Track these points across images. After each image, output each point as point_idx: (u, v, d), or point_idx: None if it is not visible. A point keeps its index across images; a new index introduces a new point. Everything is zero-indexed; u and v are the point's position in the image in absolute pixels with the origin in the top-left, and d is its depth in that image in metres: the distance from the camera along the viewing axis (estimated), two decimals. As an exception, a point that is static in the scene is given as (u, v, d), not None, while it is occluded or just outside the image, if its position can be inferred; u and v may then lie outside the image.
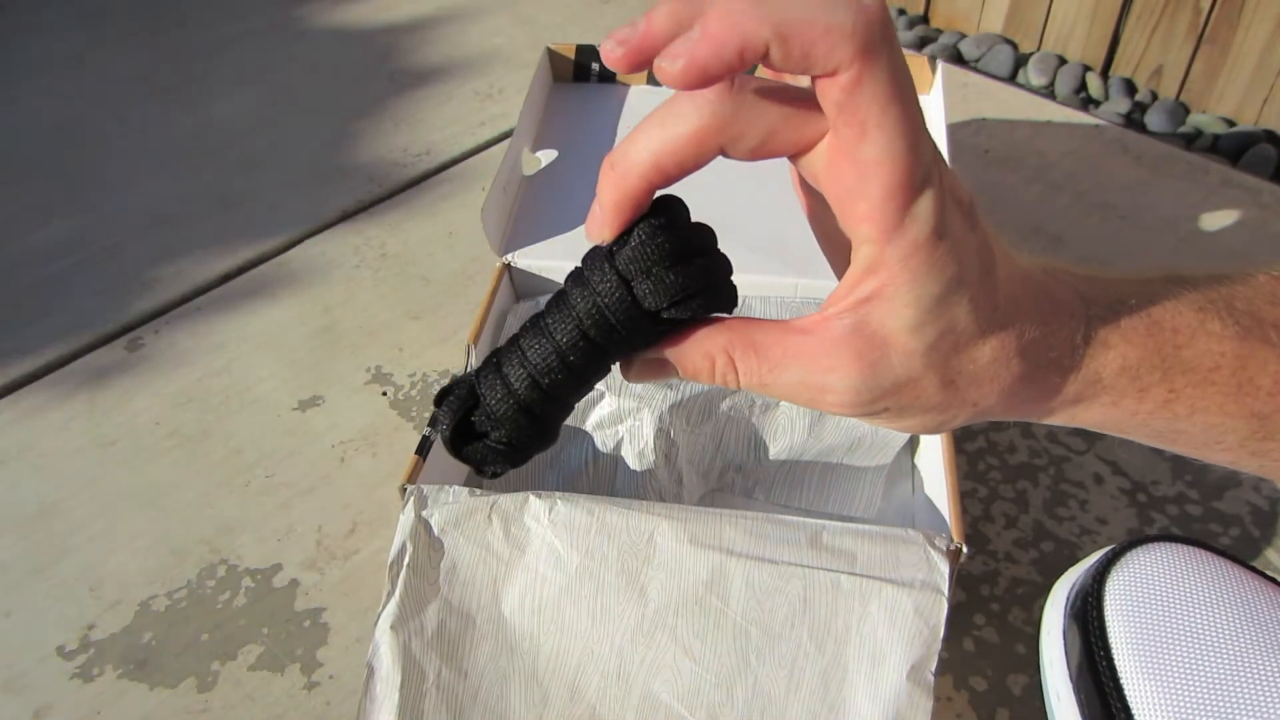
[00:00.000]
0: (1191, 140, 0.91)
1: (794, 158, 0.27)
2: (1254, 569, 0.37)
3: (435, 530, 0.43)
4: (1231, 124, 0.92)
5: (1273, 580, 0.37)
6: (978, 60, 1.04)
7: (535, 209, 0.63)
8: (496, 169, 0.60)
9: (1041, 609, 0.43)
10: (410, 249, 0.77)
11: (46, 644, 0.52)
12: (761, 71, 0.27)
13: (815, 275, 0.57)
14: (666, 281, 0.29)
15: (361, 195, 0.83)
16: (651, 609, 0.41)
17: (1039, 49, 1.03)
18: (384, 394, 0.65)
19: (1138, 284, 0.29)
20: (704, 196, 0.64)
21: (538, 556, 0.42)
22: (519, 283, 0.61)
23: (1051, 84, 1.00)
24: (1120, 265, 0.71)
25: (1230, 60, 0.90)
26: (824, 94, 0.24)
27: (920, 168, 0.24)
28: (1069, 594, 0.40)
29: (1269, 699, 0.32)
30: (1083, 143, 0.83)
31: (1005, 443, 0.59)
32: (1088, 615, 0.37)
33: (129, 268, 0.77)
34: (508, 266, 0.60)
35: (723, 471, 0.55)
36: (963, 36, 1.07)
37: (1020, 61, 1.02)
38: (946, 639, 0.40)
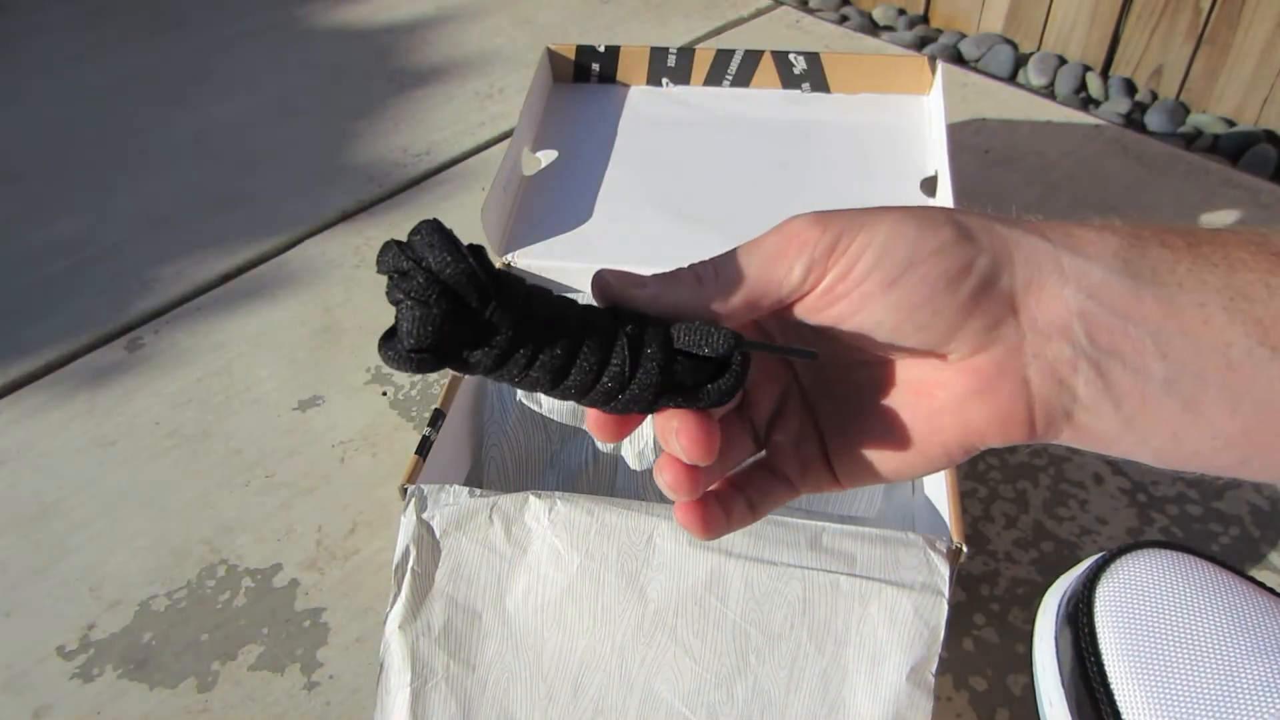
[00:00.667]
0: (1191, 140, 0.91)
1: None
2: (1243, 574, 0.37)
3: (437, 532, 0.43)
4: (1231, 124, 0.92)
5: (1261, 586, 0.37)
6: (978, 60, 1.04)
7: (535, 209, 0.63)
8: (496, 169, 0.60)
9: (1090, 567, 0.42)
10: (410, 249, 0.77)
11: (46, 644, 0.52)
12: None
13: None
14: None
15: (361, 195, 0.83)
16: (652, 609, 0.41)
17: (1039, 49, 1.03)
18: (384, 394, 0.65)
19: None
20: (705, 199, 0.64)
21: (539, 556, 0.43)
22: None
23: (1051, 84, 1.00)
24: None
25: (1230, 60, 0.90)
26: None
27: None
28: (1060, 600, 0.40)
29: (1257, 703, 0.32)
30: (1083, 143, 0.83)
31: (1005, 443, 0.59)
32: (1078, 621, 0.37)
33: (129, 268, 0.77)
34: (508, 266, 0.60)
35: None
36: (963, 36, 1.07)
37: (1020, 61, 1.02)
38: (946, 639, 0.40)
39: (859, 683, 0.40)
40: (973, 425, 0.29)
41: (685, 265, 0.30)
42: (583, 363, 0.28)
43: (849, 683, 0.40)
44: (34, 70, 1.03)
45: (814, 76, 0.71)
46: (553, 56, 0.73)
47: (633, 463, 0.52)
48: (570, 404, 0.53)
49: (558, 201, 0.64)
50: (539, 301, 0.28)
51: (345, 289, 0.74)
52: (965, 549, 0.41)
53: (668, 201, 0.63)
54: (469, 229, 0.79)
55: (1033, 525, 0.55)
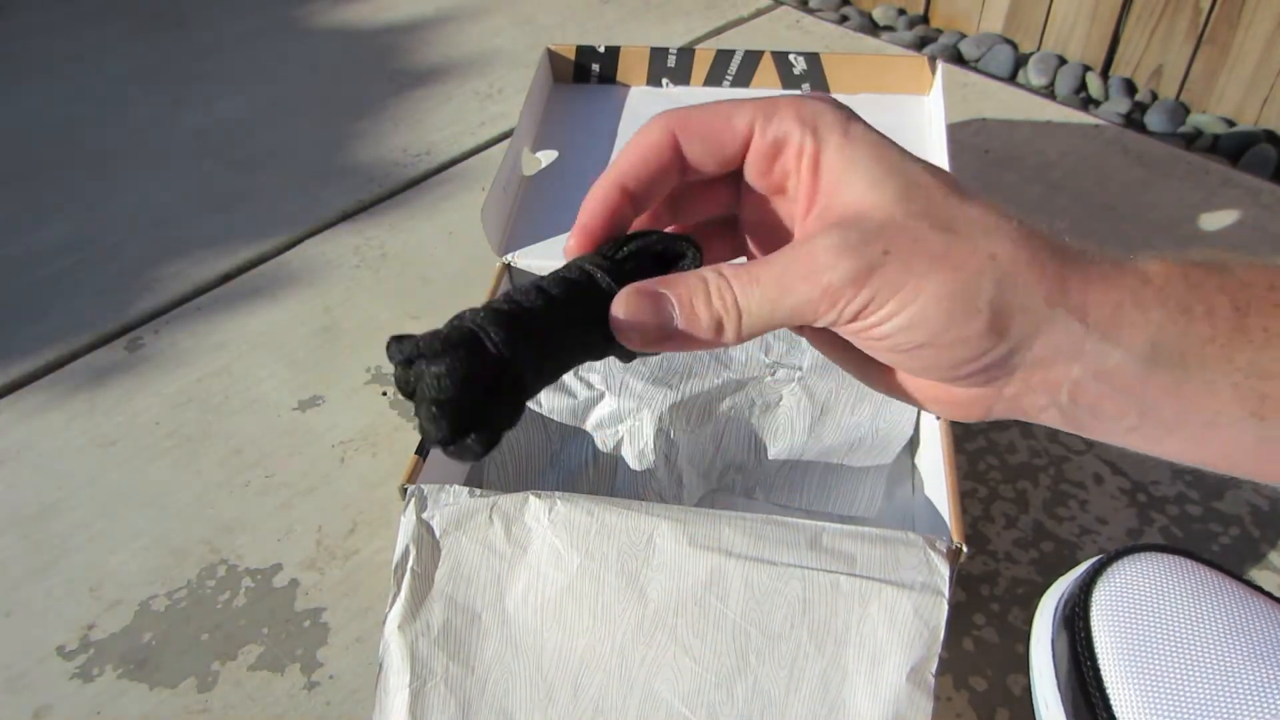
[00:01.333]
0: (1191, 140, 0.91)
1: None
2: (1239, 578, 0.37)
3: (437, 532, 0.43)
4: (1231, 124, 0.92)
5: (1259, 590, 0.37)
6: (978, 60, 1.04)
7: (535, 209, 0.63)
8: (496, 169, 0.60)
9: (1086, 571, 0.42)
10: (410, 249, 0.77)
11: (46, 644, 0.52)
12: None
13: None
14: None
15: (361, 195, 0.83)
16: (651, 609, 0.41)
17: (1039, 49, 1.03)
18: (384, 394, 0.65)
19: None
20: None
21: (539, 556, 0.43)
22: (519, 283, 0.61)
23: (1051, 84, 1.00)
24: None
25: (1230, 60, 0.90)
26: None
27: None
28: (1057, 603, 0.40)
29: (1253, 707, 0.32)
30: (1083, 143, 0.83)
31: (1005, 443, 0.60)
32: (1075, 624, 0.37)
33: (129, 268, 0.77)
34: (508, 266, 0.60)
35: (723, 472, 0.55)
36: (963, 36, 1.07)
37: (1020, 61, 1.02)
38: (946, 639, 0.40)
39: (859, 683, 0.40)
40: (919, 395, 0.30)
41: (701, 285, 0.29)
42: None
43: (849, 683, 0.40)
44: (34, 70, 1.03)
45: (814, 77, 0.71)
46: (553, 57, 0.73)
47: (633, 463, 0.52)
48: (570, 400, 0.53)
49: (558, 201, 0.64)
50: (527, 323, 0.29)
51: (345, 289, 0.74)
52: (965, 549, 0.41)
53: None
54: (469, 229, 0.79)
55: (1033, 525, 0.55)
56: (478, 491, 0.44)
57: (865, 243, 0.27)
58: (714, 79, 0.72)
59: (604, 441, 0.53)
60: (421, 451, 0.47)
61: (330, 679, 0.50)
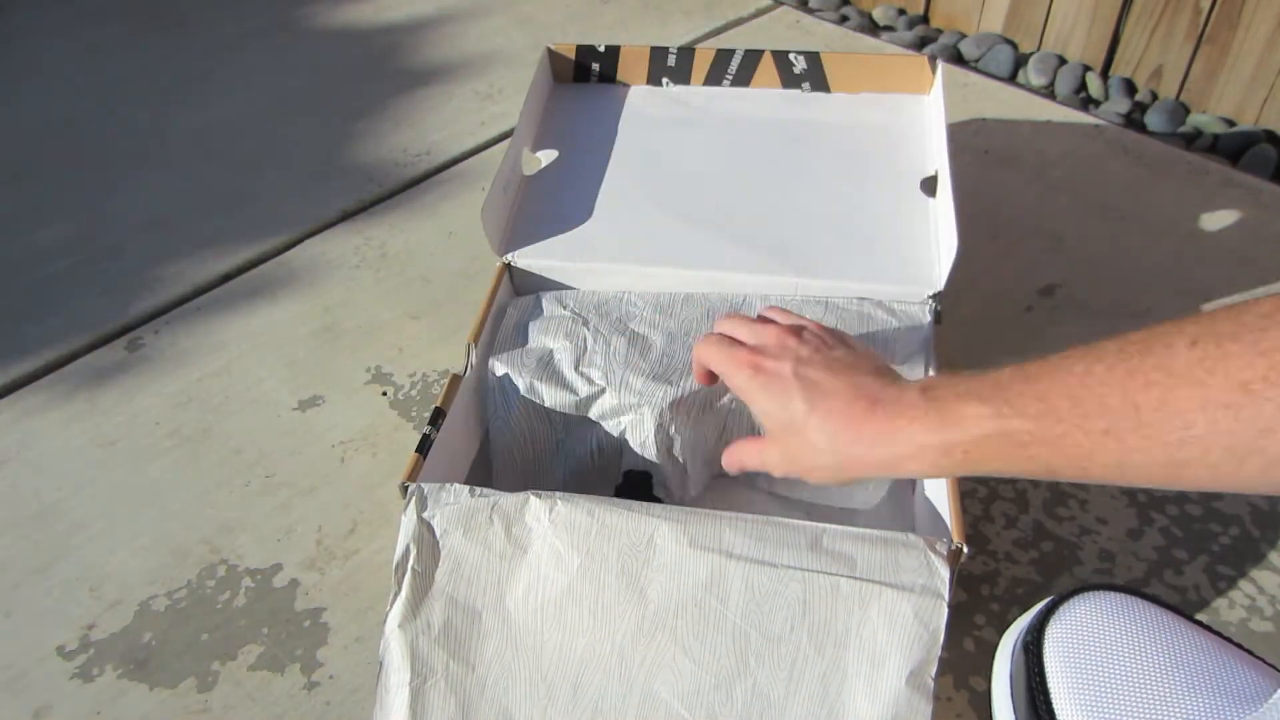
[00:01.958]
0: (1191, 140, 0.91)
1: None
2: (1183, 614, 0.40)
3: (438, 531, 0.43)
4: (1231, 124, 0.92)
5: (1199, 624, 0.39)
6: (978, 60, 1.04)
7: (535, 209, 0.63)
8: (496, 169, 0.60)
9: (1041, 610, 0.44)
10: (410, 249, 0.77)
11: (46, 644, 0.52)
12: None
13: (815, 275, 0.57)
14: None
15: (361, 195, 0.83)
16: (651, 610, 0.41)
17: (1039, 49, 1.03)
18: (384, 394, 0.65)
19: (953, 382, 0.38)
20: (707, 198, 0.64)
21: (539, 557, 0.43)
22: (519, 283, 0.61)
23: (1051, 84, 1.00)
24: (1120, 265, 0.71)
25: (1230, 60, 0.90)
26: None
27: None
28: (1015, 641, 0.42)
29: None
30: (1083, 143, 0.83)
31: (1005, 443, 0.59)
32: (1030, 660, 0.39)
33: (129, 268, 0.77)
34: (508, 266, 0.60)
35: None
36: (963, 36, 1.07)
37: (1020, 61, 1.02)
38: (946, 640, 0.40)
39: (858, 686, 0.40)
40: None
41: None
42: None
43: (848, 685, 0.40)
44: (34, 70, 1.03)
45: (814, 76, 0.71)
46: (553, 56, 0.73)
47: (637, 448, 0.52)
48: (571, 397, 0.53)
49: (558, 201, 0.64)
50: None
51: (345, 289, 0.74)
52: (965, 549, 0.41)
53: (668, 201, 0.63)
54: (469, 229, 0.80)
55: (1033, 525, 0.55)
56: (478, 491, 0.44)
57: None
58: (714, 78, 0.72)
59: (608, 431, 0.54)
60: (422, 450, 0.47)
61: (330, 679, 0.50)
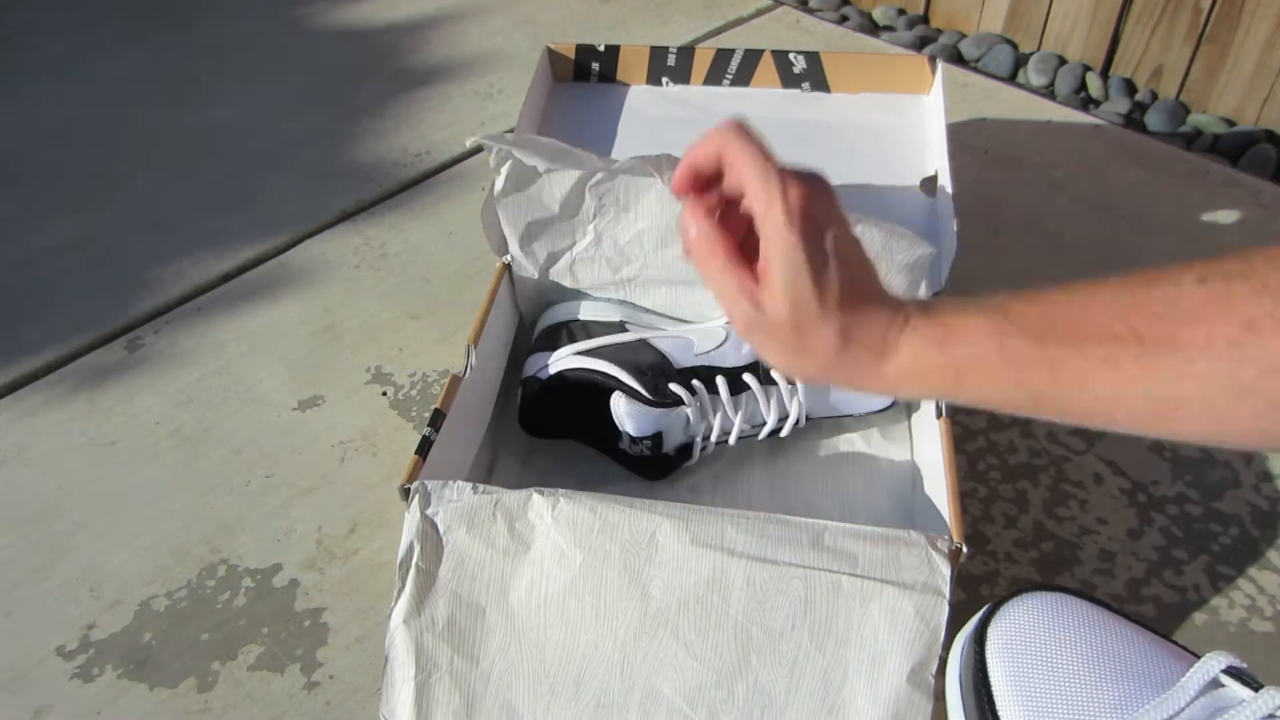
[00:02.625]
0: (1191, 140, 0.91)
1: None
2: (1117, 611, 0.42)
3: (441, 528, 0.43)
4: (1231, 124, 0.92)
5: (1131, 620, 0.42)
6: (978, 60, 1.04)
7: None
8: (497, 169, 0.60)
9: (986, 610, 0.45)
10: (410, 249, 0.77)
11: (46, 644, 0.52)
12: None
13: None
14: None
15: (361, 195, 0.83)
16: (654, 607, 0.41)
17: (1039, 49, 1.03)
18: (384, 394, 0.65)
19: (956, 300, 0.37)
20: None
21: (542, 553, 0.43)
22: (519, 282, 0.61)
23: (1051, 84, 1.00)
24: (1120, 265, 0.71)
25: (1230, 60, 0.90)
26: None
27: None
28: (965, 640, 0.44)
29: (1106, 716, 0.38)
30: (1083, 143, 0.83)
31: (1005, 443, 0.60)
32: (975, 657, 0.42)
33: (129, 268, 0.77)
34: (508, 266, 0.60)
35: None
36: (963, 36, 1.07)
37: (1020, 61, 1.02)
38: (947, 639, 0.40)
39: (859, 683, 0.40)
40: None
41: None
42: None
43: (849, 683, 0.40)
44: (34, 70, 1.03)
45: (814, 76, 0.71)
46: (552, 56, 0.73)
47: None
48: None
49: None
50: None
51: (345, 289, 0.73)
52: (965, 549, 0.41)
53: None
54: (469, 229, 0.79)
55: (1033, 525, 0.55)
56: (482, 488, 0.44)
57: (748, 326, 0.39)
58: (714, 78, 0.72)
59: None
60: (421, 451, 0.47)
61: (330, 679, 0.50)
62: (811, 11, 1.07)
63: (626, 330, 0.56)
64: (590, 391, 0.54)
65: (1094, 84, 0.98)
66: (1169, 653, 0.40)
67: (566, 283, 0.58)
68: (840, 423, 0.56)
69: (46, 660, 0.52)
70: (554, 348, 0.56)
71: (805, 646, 0.40)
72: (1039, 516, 0.56)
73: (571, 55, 0.73)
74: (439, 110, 0.93)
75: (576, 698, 0.41)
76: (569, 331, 0.57)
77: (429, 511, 0.44)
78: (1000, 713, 0.40)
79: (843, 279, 0.36)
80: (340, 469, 0.60)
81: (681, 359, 0.54)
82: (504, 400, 0.59)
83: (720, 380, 0.53)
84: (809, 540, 0.42)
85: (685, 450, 0.54)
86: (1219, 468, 0.57)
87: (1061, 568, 0.53)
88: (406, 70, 0.99)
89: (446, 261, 0.75)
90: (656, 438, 0.53)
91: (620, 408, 0.53)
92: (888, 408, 0.56)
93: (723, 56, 0.71)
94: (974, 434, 0.60)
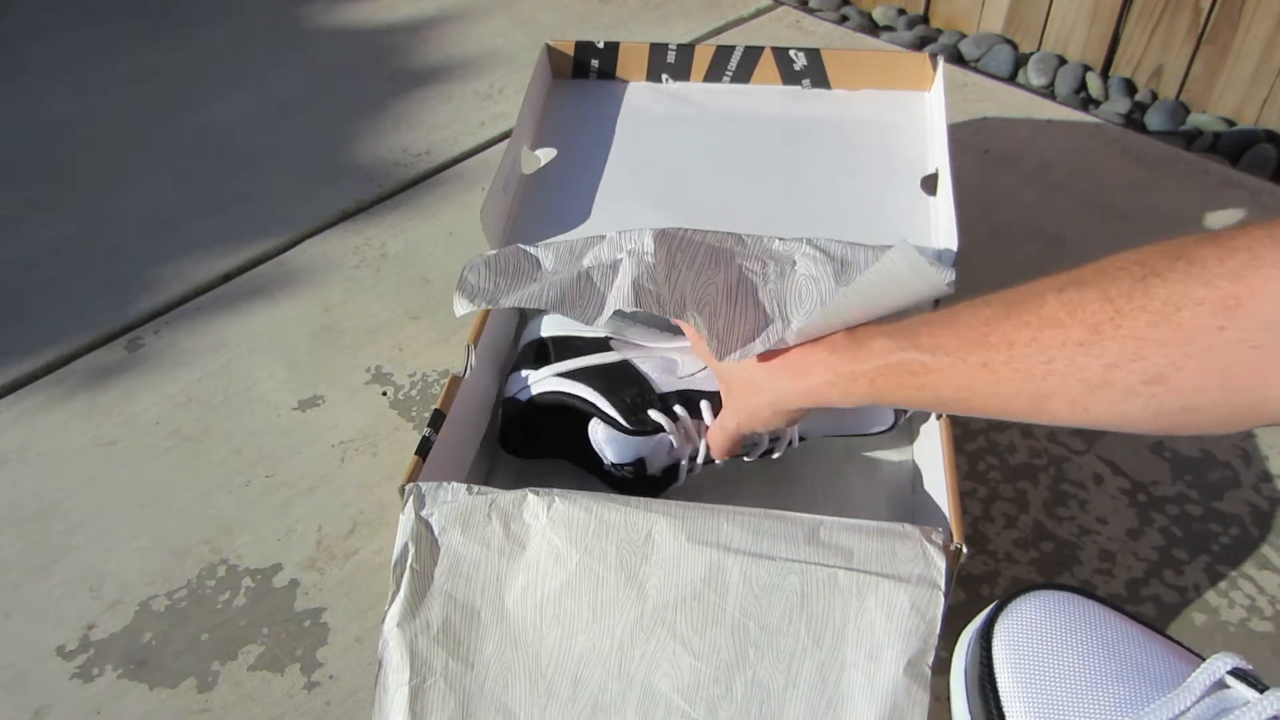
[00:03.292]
0: (1191, 140, 0.91)
1: None
2: (1122, 610, 0.43)
3: (436, 530, 0.43)
4: (1231, 124, 0.92)
5: (1134, 619, 0.43)
6: (978, 60, 1.04)
7: (535, 208, 0.63)
8: (496, 169, 0.60)
9: (993, 608, 0.45)
10: (410, 249, 0.77)
11: (46, 644, 0.52)
12: None
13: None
14: None
15: (361, 195, 0.83)
16: (650, 605, 0.41)
17: (1039, 49, 1.03)
18: (384, 394, 0.65)
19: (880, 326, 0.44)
20: (704, 195, 0.64)
21: (538, 553, 0.43)
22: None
23: (1051, 84, 1.00)
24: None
25: (1230, 60, 0.90)
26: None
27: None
28: (970, 638, 0.45)
29: (1114, 716, 0.39)
30: (1083, 143, 0.83)
31: (1005, 443, 0.59)
32: (980, 653, 0.42)
33: (129, 268, 0.77)
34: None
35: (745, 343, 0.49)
36: (963, 36, 1.07)
37: (1020, 61, 1.02)
38: (946, 639, 0.40)
39: (856, 676, 0.40)
40: None
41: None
42: None
43: (847, 676, 0.40)
44: (35, 71, 1.03)
45: (814, 73, 0.71)
46: (551, 52, 0.73)
47: (625, 297, 0.49)
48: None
49: (557, 199, 0.64)
50: None
51: (345, 289, 0.74)
52: (965, 549, 0.41)
53: (667, 198, 0.63)
54: (469, 229, 0.79)
55: (1033, 525, 0.55)
56: (476, 489, 0.44)
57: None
58: (714, 75, 0.72)
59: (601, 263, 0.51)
60: (421, 452, 0.47)
61: (330, 679, 0.50)
62: (811, 11, 1.07)
63: (610, 349, 0.55)
64: (570, 416, 0.53)
65: (1094, 84, 0.98)
66: (1174, 653, 0.41)
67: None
68: (865, 271, 0.51)
69: (46, 660, 0.52)
70: (536, 365, 0.55)
71: (802, 641, 0.40)
72: (1039, 516, 0.56)
73: (571, 52, 0.72)
74: (439, 110, 0.93)
75: (574, 698, 0.41)
76: (551, 348, 0.55)
77: (424, 513, 0.44)
78: (1006, 710, 0.40)
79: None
80: (340, 469, 0.60)
81: (664, 383, 0.53)
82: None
83: (705, 405, 0.52)
84: (805, 535, 0.42)
85: (671, 472, 0.54)
86: (1219, 468, 0.57)
87: (1061, 568, 0.53)
88: (406, 70, 0.99)
89: (446, 261, 0.75)
90: (639, 463, 0.53)
91: (599, 435, 0.52)
92: (888, 429, 0.55)
93: (723, 53, 0.71)
94: (974, 434, 0.60)
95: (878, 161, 0.65)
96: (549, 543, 0.42)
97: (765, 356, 0.46)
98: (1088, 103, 0.97)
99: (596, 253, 0.52)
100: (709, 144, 0.67)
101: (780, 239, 0.53)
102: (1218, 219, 0.75)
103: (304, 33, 1.07)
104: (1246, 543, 0.54)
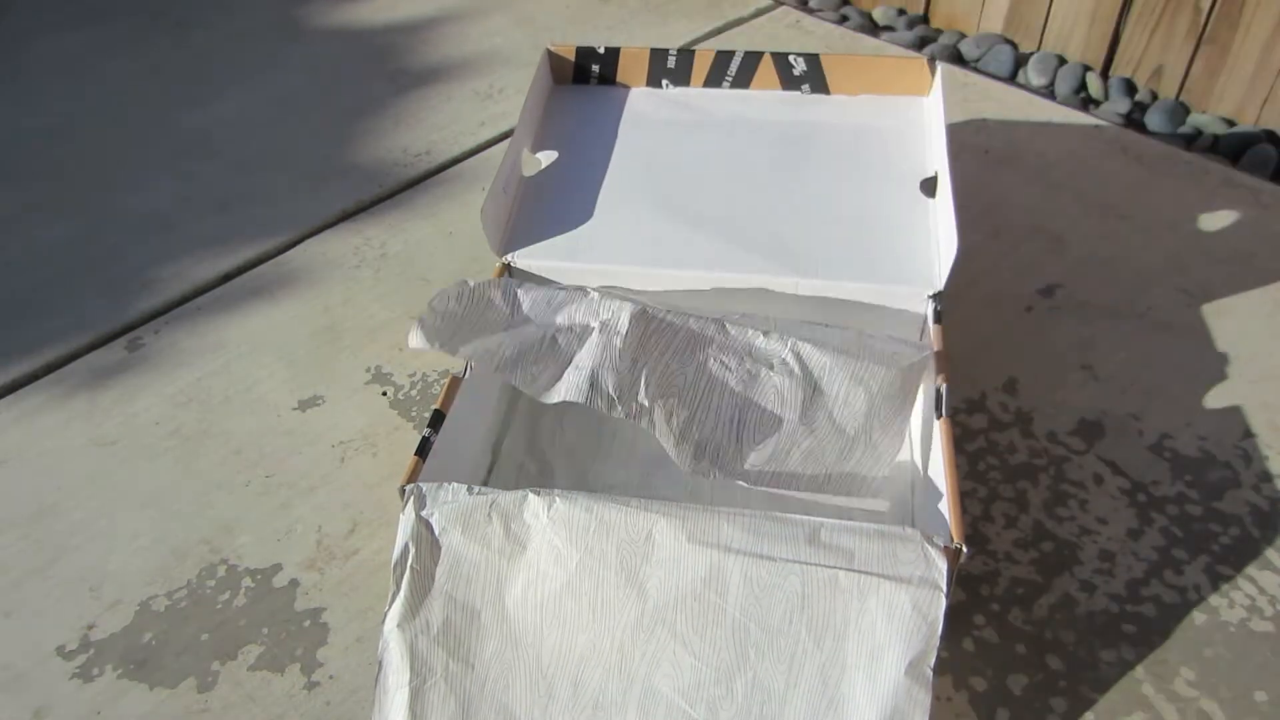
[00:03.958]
0: (1191, 140, 0.91)
1: None
2: None
3: (436, 530, 0.43)
4: (1231, 124, 0.92)
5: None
6: (978, 60, 1.04)
7: (535, 209, 0.63)
8: (496, 169, 0.60)
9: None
10: (410, 249, 0.77)
11: (46, 644, 0.52)
12: None
13: (814, 275, 0.57)
14: None
15: (361, 195, 0.83)
16: (651, 605, 0.41)
17: (1039, 49, 1.03)
18: (384, 394, 0.65)
19: None
20: (705, 200, 0.64)
21: (538, 553, 0.43)
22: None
23: (1051, 84, 1.00)
24: (1120, 265, 0.71)
25: (1230, 60, 0.90)
26: None
27: None
28: None
29: None
30: (1083, 143, 0.83)
31: (1005, 443, 0.60)
32: None
33: (129, 268, 0.77)
34: (508, 266, 0.60)
35: (698, 450, 0.50)
36: (963, 36, 1.07)
37: (1020, 61, 1.02)
38: (946, 639, 0.40)
39: (858, 677, 0.40)
40: None
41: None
42: None
43: (848, 677, 0.40)
44: (35, 71, 1.03)
45: (814, 78, 0.71)
46: (552, 58, 0.73)
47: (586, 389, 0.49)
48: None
49: (558, 202, 0.64)
50: None
51: (345, 289, 0.74)
52: (965, 549, 0.41)
53: (667, 203, 0.63)
54: (469, 229, 0.80)
55: (1033, 525, 0.55)
56: (477, 489, 0.44)
57: None
58: (714, 80, 0.72)
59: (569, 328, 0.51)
60: (421, 452, 0.47)
61: (330, 679, 0.50)
62: (811, 12, 1.07)
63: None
64: None
65: (1094, 84, 0.98)
66: None
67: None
68: (831, 412, 0.52)
69: (46, 660, 0.52)
70: None
71: (803, 641, 0.40)
72: (1039, 516, 0.56)
73: (571, 57, 0.73)
74: (439, 110, 0.93)
75: (574, 699, 0.41)
76: None
77: (424, 513, 0.44)
78: None
79: None
80: (340, 469, 0.61)
81: None
82: (504, 400, 0.60)
83: None
84: (805, 536, 0.42)
85: None
86: (1219, 468, 0.57)
87: (1061, 568, 0.53)
88: (406, 70, 0.99)
89: (446, 261, 0.75)
90: None
91: None
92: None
93: (723, 58, 0.71)
94: (974, 434, 0.60)
95: (877, 165, 0.65)
96: (549, 543, 0.43)
97: None
98: (1088, 103, 0.97)
99: (571, 311, 0.51)
100: (709, 148, 0.67)
101: (764, 335, 0.51)
102: (1218, 219, 0.75)
103: (304, 33, 1.07)
104: (1246, 543, 0.54)
